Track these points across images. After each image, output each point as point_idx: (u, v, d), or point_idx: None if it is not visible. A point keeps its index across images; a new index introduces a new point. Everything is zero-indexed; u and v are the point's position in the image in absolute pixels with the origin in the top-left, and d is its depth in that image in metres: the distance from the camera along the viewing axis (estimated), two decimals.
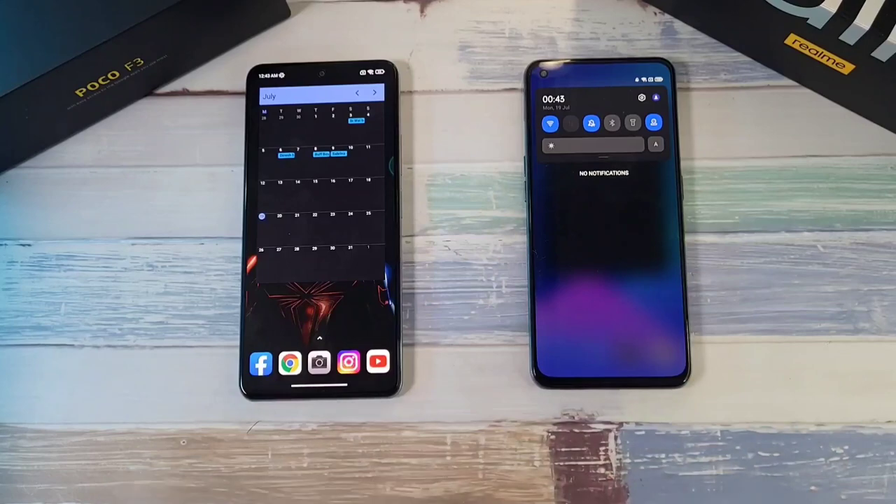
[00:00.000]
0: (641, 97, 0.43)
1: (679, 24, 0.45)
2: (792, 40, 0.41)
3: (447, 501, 0.41)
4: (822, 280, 0.42)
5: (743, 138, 0.44)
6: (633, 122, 0.43)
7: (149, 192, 0.44)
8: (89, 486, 0.41)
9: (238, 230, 0.43)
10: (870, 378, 0.41)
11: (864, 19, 0.37)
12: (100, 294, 0.43)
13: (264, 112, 0.44)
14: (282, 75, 0.44)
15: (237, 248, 0.43)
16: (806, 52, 0.41)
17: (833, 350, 0.41)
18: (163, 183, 0.45)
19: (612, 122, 0.43)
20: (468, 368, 0.42)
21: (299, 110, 0.44)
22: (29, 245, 0.44)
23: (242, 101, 0.44)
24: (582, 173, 0.42)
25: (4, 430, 0.42)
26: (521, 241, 0.43)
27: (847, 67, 0.40)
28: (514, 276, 0.43)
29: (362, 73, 0.44)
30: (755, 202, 0.43)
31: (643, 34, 0.45)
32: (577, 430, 0.41)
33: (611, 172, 0.42)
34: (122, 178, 0.45)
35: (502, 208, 0.43)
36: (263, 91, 0.44)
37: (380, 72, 0.44)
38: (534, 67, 0.44)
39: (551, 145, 0.43)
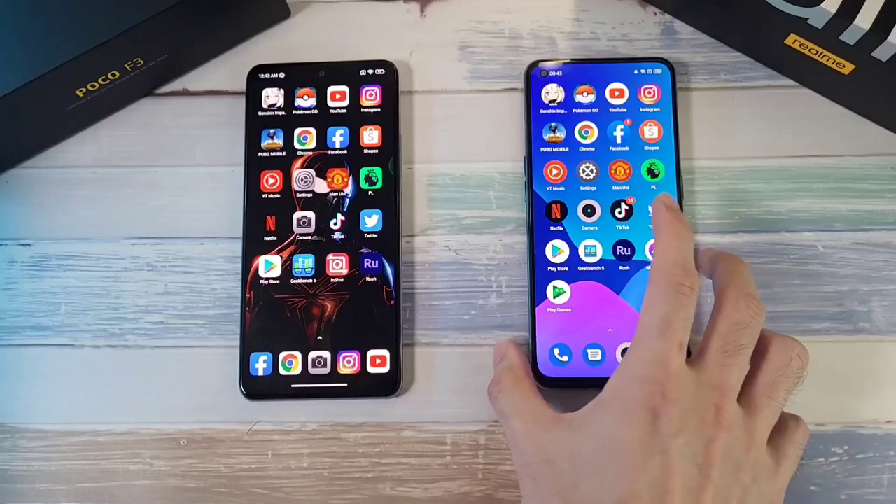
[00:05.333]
0: (641, 96, 0.43)
1: (679, 24, 0.45)
2: (792, 40, 0.41)
3: (447, 501, 0.41)
4: (822, 280, 0.42)
5: (743, 138, 0.44)
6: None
7: (149, 192, 0.44)
8: (89, 486, 0.41)
9: (238, 230, 0.43)
10: (870, 378, 0.41)
11: (864, 19, 0.37)
12: (100, 294, 0.43)
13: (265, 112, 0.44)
14: (282, 75, 0.44)
15: (237, 248, 0.43)
16: (806, 52, 0.41)
17: (833, 350, 0.41)
18: (163, 183, 0.45)
19: None
20: (468, 368, 0.42)
21: (301, 110, 0.44)
22: (29, 245, 0.44)
23: (242, 101, 0.44)
24: None
25: (4, 430, 0.42)
26: (521, 241, 0.43)
27: (847, 67, 0.40)
28: (514, 276, 0.43)
29: (362, 73, 0.44)
30: (755, 202, 0.43)
31: (643, 34, 0.45)
32: None
33: None
34: (122, 178, 0.45)
35: (502, 208, 0.43)
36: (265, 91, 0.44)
37: (380, 72, 0.44)
38: (534, 67, 0.44)
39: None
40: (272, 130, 0.44)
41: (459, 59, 0.45)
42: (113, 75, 0.42)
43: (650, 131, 0.42)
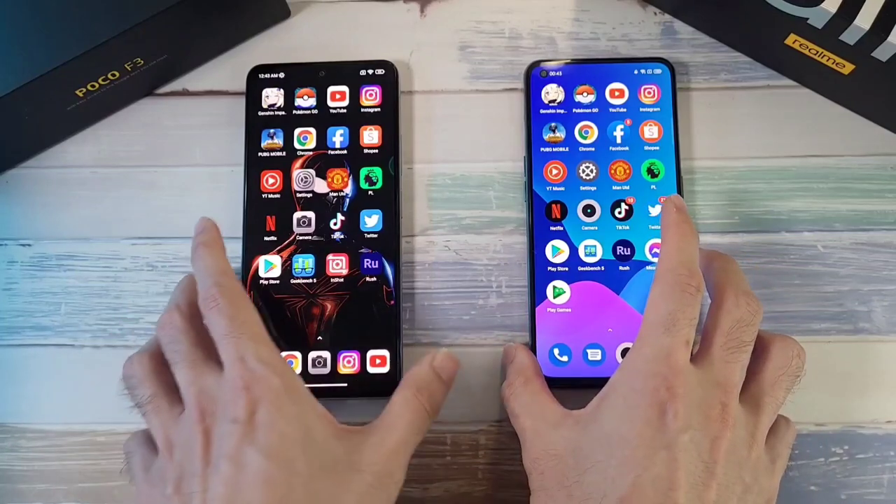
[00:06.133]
0: (641, 96, 0.43)
1: (679, 24, 0.45)
2: (792, 40, 0.41)
3: (447, 501, 0.41)
4: (822, 280, 0.42)
5: (743, 138, 0.44)
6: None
7: (149, 192, 0.44)
8: (89, 486, 0.41)
9: (238, 230, 0.43)
10: (870, 378, 0.41)
11: (864, 19, 0.37)
12: (100, 294, 0.43)
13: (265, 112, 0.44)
14: (282, 75, 0.44)
15: (237, 248, 0.42)
16: (806, 52, 0.41)
17: (833, 350, 0.41)
18: (163, 183, 0.45)
19: None
20: (468, 368, 0.42)
21: (301, 110, 0.44)
22: (29, 245, 0.44)
23: (242, 101, 0.44)
24: None
25: (4, 430, 0.42)
26: (521, 241, 0.43)
27: (847, 67, 0.40)
28: (514, 276, 0.43)
29: (362, 73, 0.44)
30: (755, 202, 0.43)
31: (643, 34, 0.45)
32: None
33: None
34: (122, 178, 0.45)
35: (502, 208, 0.43)
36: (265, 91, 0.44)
37: (380, 72, 0.44)
38: (534, 67, 0.44)
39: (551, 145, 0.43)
40: (272, 130, 0.44)
41: (459, 59, 0.45)
42: (113, 75, 0.42)
43: (650, 131, 0.42)
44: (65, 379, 0.43)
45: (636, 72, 0.43)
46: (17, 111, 0.41)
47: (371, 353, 0.41)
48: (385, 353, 0.41)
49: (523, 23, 0.46)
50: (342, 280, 0.42)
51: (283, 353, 0.41)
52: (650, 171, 0.42)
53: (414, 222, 0.44)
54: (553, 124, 0.43)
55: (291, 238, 0.42)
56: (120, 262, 0.44)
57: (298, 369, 0.41)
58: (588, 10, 0.46)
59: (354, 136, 0.43)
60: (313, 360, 0.41)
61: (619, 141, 0.42)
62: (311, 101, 0.44)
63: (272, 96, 0.44)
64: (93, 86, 0.42)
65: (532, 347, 0.40)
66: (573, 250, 0.41)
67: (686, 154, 0.43)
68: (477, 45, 0.45)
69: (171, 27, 0.41)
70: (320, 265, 0.42)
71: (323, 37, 0.46)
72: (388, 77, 0.44)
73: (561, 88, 0.43)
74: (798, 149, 0.44)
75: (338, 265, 0.42)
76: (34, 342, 0.43)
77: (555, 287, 0.41)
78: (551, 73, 0.43)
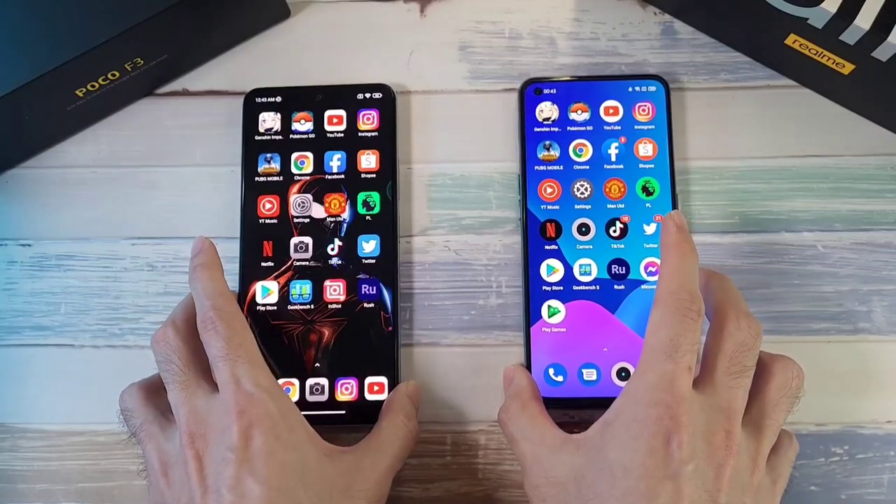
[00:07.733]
0: (636, 114, 0.43)
1: (679, 24, 0.45)
2: (792, 40, 0.41)
3: (447, 501, 0.41)
4: (822, 280, 0.42)
5: (743, 138, 0.44)
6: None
7: (149, 192, 0.44)
8: (89, 486, 0.41)
9: (236, 231, 0.42)
10: (870, 378, 0.41)
11: (864, 19, 0.37)
12: (100, 294, 0.43)
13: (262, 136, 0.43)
14: (279, 99, 0.44)
15: (236, 248, 0.42)
16: (806, 52, 0.41)
17: (833, 350, 0.41)
18: (163, 183, 0.45)
19: None
20: (468, 368, 0.42)
21: (298, 134, 0.43)
22: (29, 245, 0.44)
23: (242, 101, 0.44)
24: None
25: (4, 430, 0.42)
26: (520, 241, 0.43)
27: (847, 67, 0.40)
28: (513, 277, 0.43)
29: (360, 96, 0.44)
30: (755, 202, 0.43)
31: (643, 34, 0.45)
32: (576, 431, 0.41)
33: None
34: (122, 178, 0.45)
35: (502, 208, 0.43)
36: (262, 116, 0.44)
37: (377, 95, 0.44)
38: (528, 85, 0.43)
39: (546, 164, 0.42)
40: (269, 155, 0.43)
41: (459, 59, 0.45)
42: (113, 75, 0.42)
43: (645, 149, 0.42)
44: (65, 379, 0.43)
45: (630, 89, 0.43)
46: (17, 111, 0.41)
47: (369, 379, 0.40)
48: (383, 379, 0.40)
49: (523, 23, 0.46)
50: (340, 306, 0.41)
51: (281, 381, 0.40)
52: (645, 190, 0.42)
53: (414, 222, 0.44)
54: (547, 142, 0.43)
55: (289, 263, 0.42)
56: (120, 262, 0.44)
57: (296, 396, 0.40)
58: (588, 10, 0.46)
59: (352, 161, 0.43)
60: (311, 387, 0.40)
61: (613, 159, 0.42)
62: (309, 125, 0.43)
63: (269, 120, 0.43)
64: (93, 86, 0.42)
65: (527, 367, 0.40)
66: (568, 269, 0.41)
67: (686, 154, 0.43)
68: (477, 46, 0.45)
69: (171, 27, 0.41)
70: (318, 291, 0.41)
71: (323, 37, 0.46)
72: (385, 100, 0.43)
73: (555, 106, 0.43)
74: (798, 149, 0.44)
75: (335, 291, 0.41)
76: (34, 342, 0.43)
77: (549, 306, 0.41)
78: (545, 91, 0.43)
